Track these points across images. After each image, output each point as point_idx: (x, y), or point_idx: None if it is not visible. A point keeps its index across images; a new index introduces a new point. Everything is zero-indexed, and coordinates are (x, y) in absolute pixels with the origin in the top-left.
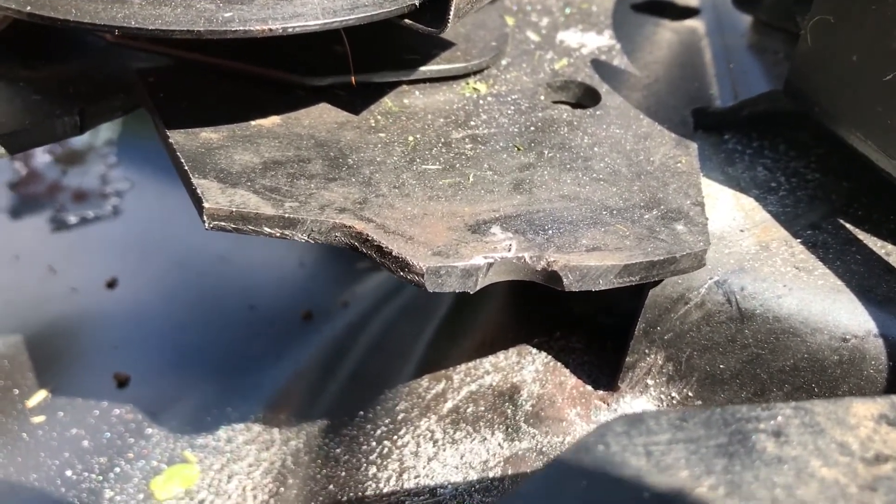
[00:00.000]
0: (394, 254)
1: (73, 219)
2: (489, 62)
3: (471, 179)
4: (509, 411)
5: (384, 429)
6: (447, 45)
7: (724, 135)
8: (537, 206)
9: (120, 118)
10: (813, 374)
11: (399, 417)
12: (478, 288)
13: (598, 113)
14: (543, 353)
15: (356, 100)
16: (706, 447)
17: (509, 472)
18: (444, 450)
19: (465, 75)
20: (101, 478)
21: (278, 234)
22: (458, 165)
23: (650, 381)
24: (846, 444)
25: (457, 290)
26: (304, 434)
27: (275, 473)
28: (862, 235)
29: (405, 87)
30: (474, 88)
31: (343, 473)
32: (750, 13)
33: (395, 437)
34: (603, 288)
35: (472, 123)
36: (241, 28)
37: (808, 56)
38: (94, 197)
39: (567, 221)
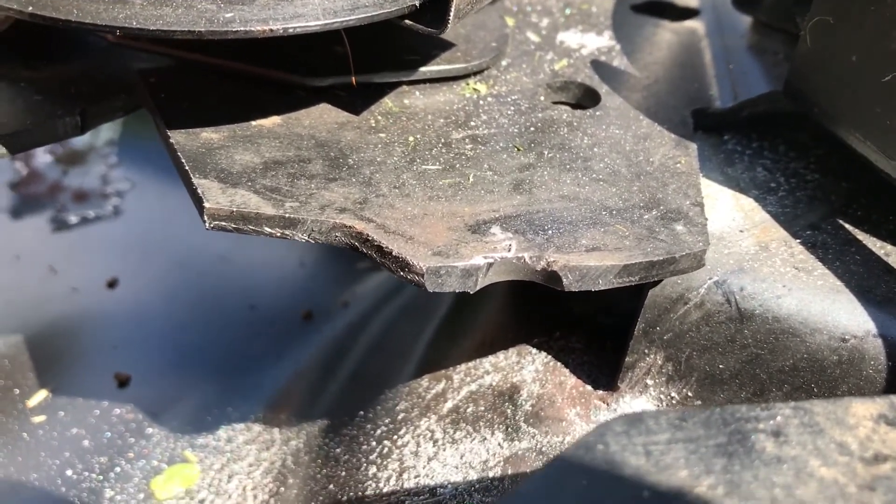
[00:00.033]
0: (394, 254)
1: (73, 219)
2: (489, 63)
3: (471, 180)
4: (509, 411)
5: (384, 428)
6: (447, 45)
7: (724, 135)
8: (537, 206)
9: (121, 118)
10: (812, 374)
11: (399, 417)
12: (478, 288)
13: (597, 113)
14: (543, 353)
15: (356, 100)
16: (705, 447)
17: (509, 471)
18: (444, 449)
19: (465, 76)
20: (101, 477)
21: (279, 234)
22: (458, 166)
23: (650, 381)
24: (845, 443)
25: (457, 290)
26: (305, 434)
27: (275, 473)
28: (861, 236)
29: (405, 87)
30: (474, 89)
31: (343, 473)
32: (750, 14)
33: (395, 436)
34: (602, 288)
35: (473, 124)
36: (242, 28)
37: (808, 57)
38: (95, 197)
39: (567, 221)
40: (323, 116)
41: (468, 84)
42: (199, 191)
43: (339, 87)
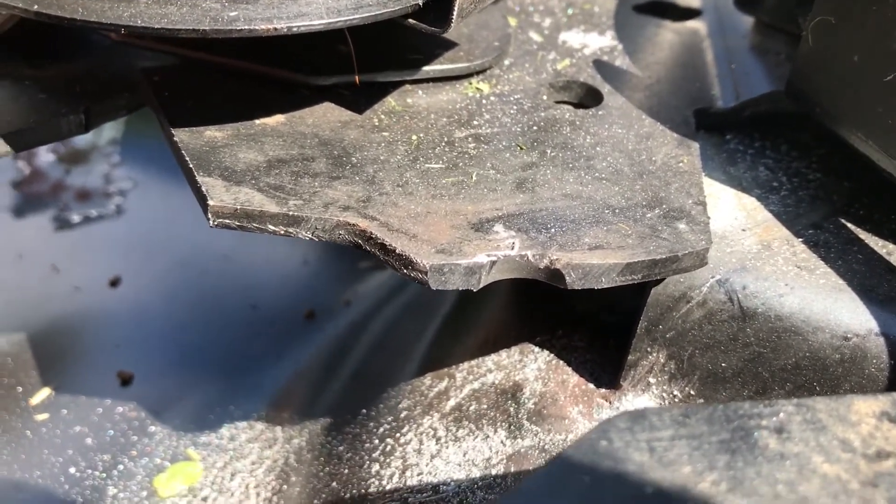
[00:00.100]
0: (397, 251)
1: (76, 218)
2: (492, 62)
3: (474, 178)
4: (512, 409)
5: (387, 426)
6: (450, 45)
7: (726, 135)
8: (540, 204)
9: (124, 118)
10: (814, 372)
11: (402, 415)
12: (481, 286)
13: (600, 113)
14: (546, 352)
15: (360, 99)
16: (709, 443)
17: (512, 469)
18: (447, 447)
19: (468, 75)
20: (104, 475)
21: (282, 232)
22: (461, 164)
23: (652, 380)
24: (848, 440)
25: (460, 288)
26: (307, 432)
27: (278, 471)
28: (863, 235)
29: (408, 86)
30: (477, 88)
31: (346, 471)
32: (752, 14)
33: (398, 434)
34: (605, 286)
35: (475, 123)
36: (247, 27)
37: (810, 57)
38: (98, 196)
39: (570, 220)
40: (326, 115)
41: (471, 83)
42: (203, 189)
43: (342, 86)
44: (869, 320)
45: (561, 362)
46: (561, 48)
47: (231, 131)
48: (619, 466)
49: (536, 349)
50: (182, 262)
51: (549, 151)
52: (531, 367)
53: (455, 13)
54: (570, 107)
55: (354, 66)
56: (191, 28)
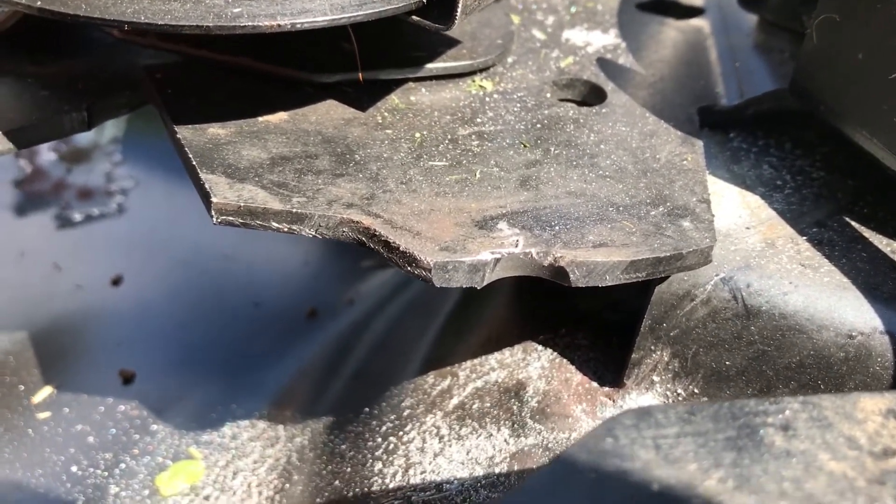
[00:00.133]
0: (401, 249)
1: (78, 216)
2: (495, 60)
3: (477, 176)
4: (515, 408)
5: (390, 425)
6: (453, 42)
7: (730, 133)
8: (544, 202)
9: (125, 116)
10: (819, 370)
11: (405, 414)
12: (485, 283)
13: (603, 111)
14: (549, 350)
15: (363, 97)
16: (714, 440)
17: (515, 467)
18: (450, 446)
19: (471, 73)
20: (106, 474)
21: (286, 229)
22: (464, 162)
23: (656, 378)
24: (854, 438)
25: (464, 286)
26: (309, 431)
27: (280, 470)
28: (867, 233)
29: (412, 84)
30: (480, 86)
31: (349, 469)
32: (755, 12)
33: (401, 433)
34: (609, 284)
35: (479, 120)
36: (250, 24)
37: (814, 55)
38: (100, 195)
39: (574, 218)
40: (329, 113)
41: (474, 81)
42: (207, 186)
43: (345, 84)
44: (873, 318)
45: (564, 361)
46: (564, 46)
47: (234, 129)
48: (625, 464)
49: (540, 347)
50: (184, 261)
51: (552, 149)
52: (534, 365)
53: (459, 10)
54: (573, 105)
55: (358, 64)
56: (194, 24)
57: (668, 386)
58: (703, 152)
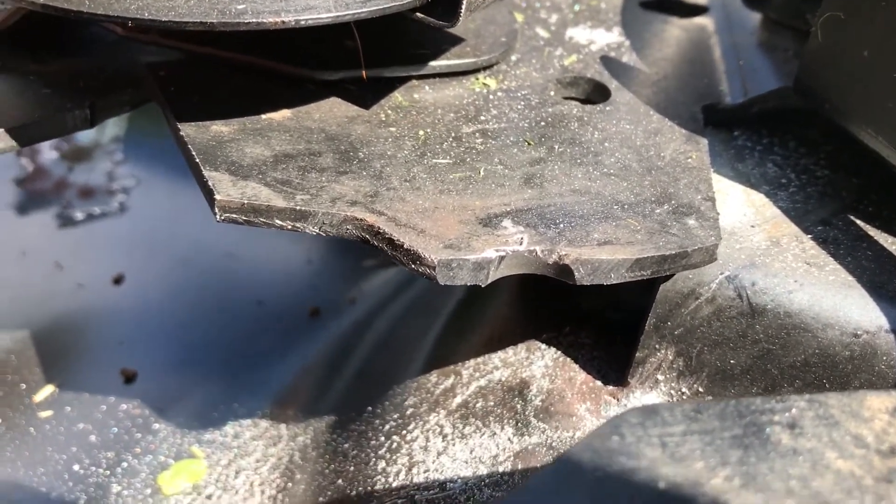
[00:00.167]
0: (405, 246)
1: (79, 215)
2: (499, 58)
3: (481, 173)
4: (519, 406)
5: (393, 424)
6: (457, 40)
7: (734, 131)
8: (548, 200)
9: (127, 115)
10: (824, 369)
11: (408, 412)
12: (489, 281)
13: (608, 109)
14: (552, 349)
15: (366, 94)
16: (721, 438)
17: (519, 466)
18: (454, 444)
19: (474, 70)
20: (108, 472)
21: (289, 227)
22: (468, 160)
23: (660, 377)
24: (861, 436)
25: (468, 284)
26: (312, 430)
27: (282, 469)
28: (872, 231)
29: (415, 81)
30: (484, 84)
31: (352, 468)
32: (759, 11)
33: (404, 431)
34: (614, 282)
35: (483, 118)
36: (254, 20)
37: (819, 53)
38: (101, 193)
39: (578, 215)
40: (333, 110)
41: (478, 79)
42: (210, 183)
43: (348, 81)
44: (879, 317)
45: (568, 359)
46: (568, 44)
47: (237, 126)
48: (631, 462)
49: (543, 346)
50: (185, 260)
51: (556, 147)
52: (538, 364)
53: (464, 7)
54: (577, 103)
55: (361, 61)
56: (198, 21)
57: (673, 385)
58: (707, 150)
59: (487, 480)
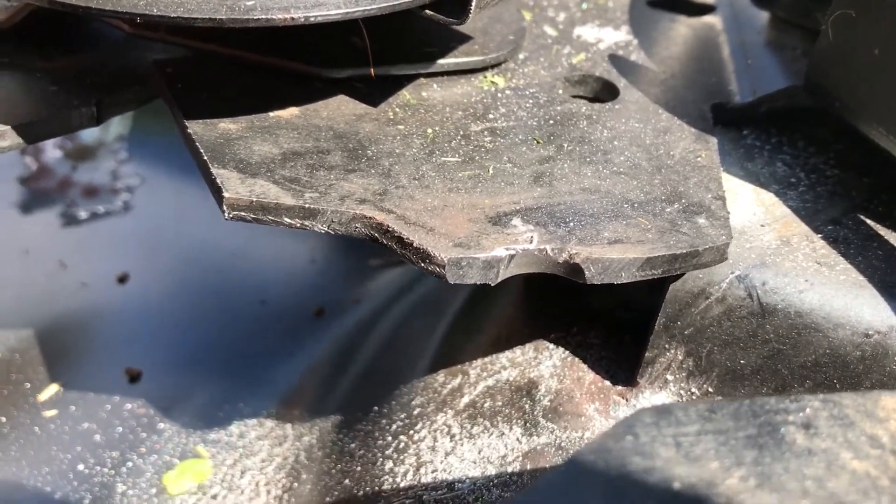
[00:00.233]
0: (415, 245)
1: (83, 214)
2: (507, 56)
3: (490, 172)
4: (527, 406)
5: (400, 424)
6: (465, 38)
7: (743, 130)
8: (558, 198)
9: (131, 114)
10: (835, 369)
11: (415, 412)
12: (499, 280)
13: (616, 107)
14: (561, 349)
15: (374, 92)
16: (735, 438)
17: (528, 466)
18: (462, 444)
19: (482, 69)
20: (113, 472)
21: (298, 225)
22: (477, 158)
23: (670, 377)
24: (876, 436)
25: (478, 282)
26: (318, 429)
27: (288, 469)
28: (883, 231)
29: (423, 80)
30: (492, 82)
31: (359, 468)
32: (767, 10)
33: (412, 431)
34: (625, 281)
35: (491, 116)
36: (263, 16)
37: (829, 51)
38: (105, 192)
39: (588, 214)
40: (341, 108)
41: (486, 77)
42: (219, 181)
43: (356, 79)
44: (890, 317)
45: (576, 359)
46: (576, 42)
47: (245, 123)
48: (646, 462)
49: (551, 346)
50: (190, 259)
51: (566, 145)
52: (546, 364)
53: (474, 4)
54: (585, 101)
55: (370, 59)
56: (207, 17)
57: (682, 385)
58: (717, 149)
59: (496, 481)
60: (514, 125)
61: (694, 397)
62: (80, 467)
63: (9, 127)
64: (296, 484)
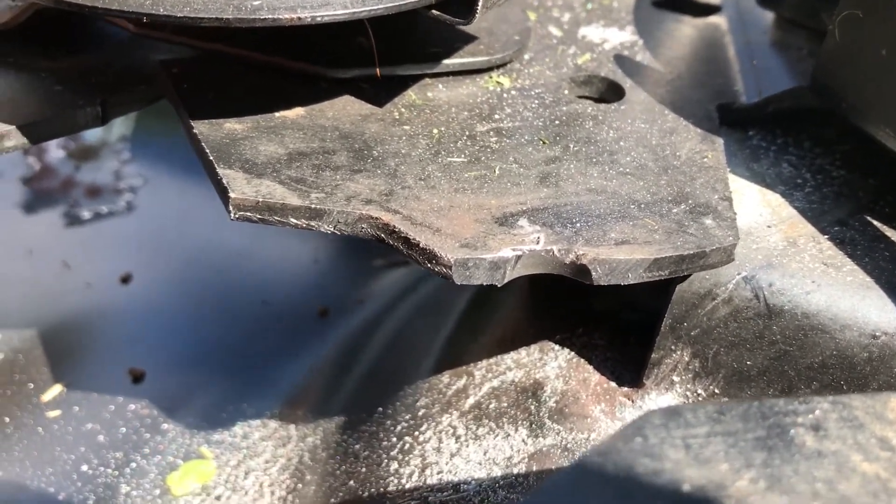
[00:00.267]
0: (421, 245)
1: (86, 214)
2: (512, 56)
3: (497, 172)
4: (532, 407)
5: (405, 425)
6: (470, 38)
7: (748, 131)
8: (564, 199)
9: (134, 114)
10: (842, 371)
11: (420, 413)
12: (505, 281)
13: (622, 108)
14: (566, 350)
15: (380, 92)
16: (745, 440)
17: (534, 468)
18: (467, 446)
19: (488, 69)
20: (116, 473)
21: (304, 225)
22: (483, 158)
23: (676, 378)
24: (886, 438)
25: (484, 283)
26: (322, 430)
27: (292, 470)
28: (889, 232)
29: (428, 80)
30: (497, 82)
31: (364, 469)
32: (773, 10)
33: (417, 432)
34: (632, 282)
35: (497, 117)
36: (270, 16)
37: (836, 51)
38: (108, 192)
39: (595, 215)
40: (346, 108)
41: (491, 77)
42: (225, 181)
43: (362, 80)
44: None
45: (582, 360)
46: (581, 43)
47: (251, 124)
48: (655, 463)
49: (556, 347)
50: (193, 259)
51: (572, 146)
52: (551, 365)
53: (481, 4)
54: (591, 101)
55: (375, 59)
56: (214, 17)
57: (689, 386)
58: (723, 150)
59: (502, 482)
60: (520, 125)
61: (700, 399)
62: (84, 468)
63: (13, 127)
64: (300, 485)
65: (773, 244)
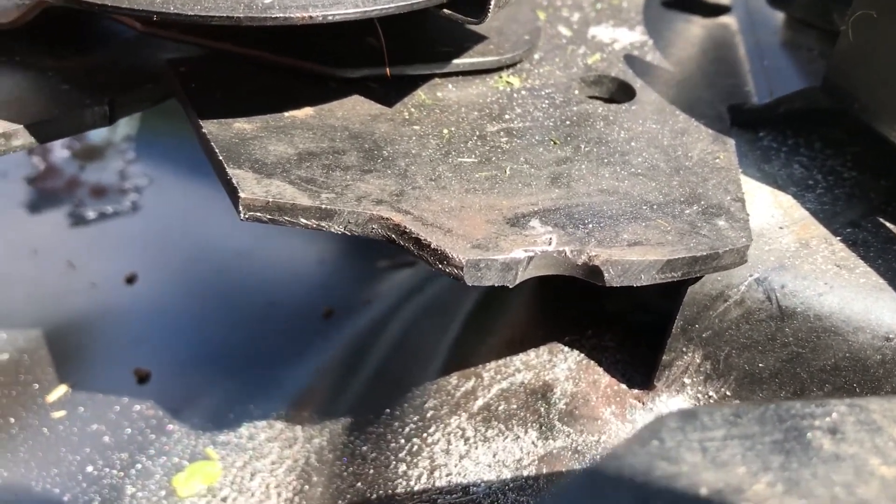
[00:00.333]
0: (432, 246)
1: (91, 214)
2: (522, 56)
3: (507, 173)
4: (542, 409)
5: (413, 426)
6: (480, 38)
7: (759, 132)
8: (576, 199)
9: (139, 114)
10: (854, 373)
11: (428, 415)
12: (517, 282)
13: (633, 108)
14: (576, 352)
15: (389, 92)
16: (762, 443)
17: (544, 470)
18: (476, 448)
19: (498, 69)
20: (122, 474)
21: (314, 226)
22: (493, 158)
23: (687, 380)
24: None
25: (496, 284)
26: (328, 432)
27: (298, 471)
28: None
29: (438, 80)
30: (507, 82)
31: (371, 471)
32: (783, 10)
33: (425, 434)
34: (644, 283)
35: (507, 117)
36: (282, 15)
37: (849, 52)
38: (113, 192)
39: (607, 216)
40: (356, 108)
41: (501, 77)
42: (234, 181)
43: (371, 79)
44: None
45: (592, 362)
46: (591, 43)
47: (260, 123)
48: (672, 467)
49: (566, 349)
50: (198, 259)
51: (583, 146)
52: (561, 366)
53: (493, 3)
54: (601, 101)
55: (385, 59)
56: (225, 15)
57: (700, 388)
58: (735, 150)
59: (512, 485)
60: (531, 126)
61: (711, 401)
62: (89, 469)
63: (21, 126)
64: (307, 487)
65: (785, 246)
